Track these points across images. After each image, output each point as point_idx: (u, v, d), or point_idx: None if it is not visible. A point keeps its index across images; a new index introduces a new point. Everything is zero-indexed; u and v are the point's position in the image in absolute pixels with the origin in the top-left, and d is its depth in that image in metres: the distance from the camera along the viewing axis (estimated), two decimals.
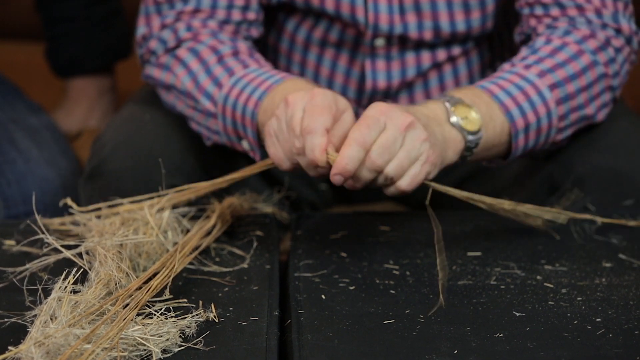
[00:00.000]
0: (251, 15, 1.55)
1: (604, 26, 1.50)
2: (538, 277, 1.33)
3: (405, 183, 1.30)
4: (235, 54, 1.50)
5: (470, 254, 1.39)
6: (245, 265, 1.36)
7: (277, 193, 1.55)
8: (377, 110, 1.29)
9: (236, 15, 1.54)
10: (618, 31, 1.51)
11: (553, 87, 1.44)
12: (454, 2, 1.55)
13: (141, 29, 1.57)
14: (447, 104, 1.37)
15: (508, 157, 1.45)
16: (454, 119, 1.36)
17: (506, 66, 1.47)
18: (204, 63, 1.50)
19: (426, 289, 1.29)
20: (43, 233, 1.27)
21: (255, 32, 1.57)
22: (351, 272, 1.33)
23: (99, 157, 1.55)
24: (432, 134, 1.32)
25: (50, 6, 2.03)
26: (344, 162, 1.26)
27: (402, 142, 1.28)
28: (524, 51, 1.49)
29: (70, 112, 2.07)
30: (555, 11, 1.50)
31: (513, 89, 1.42)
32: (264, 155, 1.46)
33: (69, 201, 1.41)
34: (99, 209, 1.42)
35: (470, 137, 1.37)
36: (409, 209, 1.73)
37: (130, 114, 1.61)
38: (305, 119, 1.29)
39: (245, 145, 1.47)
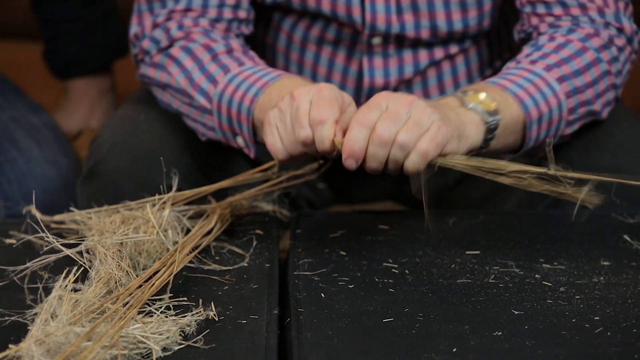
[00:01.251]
0: (242, 14, 1.56)
1: (607, 25, 1.50)
2: (536, 276, 1.33)
3: (424, 144, 1.29)
4: (230, 51, 1.51)
5: (469, 252, 1.39)
6: (245, 264, 1.36)
7: (277, 191, 1.55)
8: (379, 95, 1.32)
9: (227, 14, 1.55)
10: (620, 30, 1.51)
11: (561, 80, 1.44)
12: (451, 2, 1.56)
13: (134, 28, 1.57)
14: (459, 94, 1.38)
15: (519, 151, 1.45)
16: (470, 104, 1.37)
17: (511, 64, 1.48)
18: (198, 61, 1.50)
19: (425, 287, 1.30)
20: (43, 232, 1.27)
21: (246, 30, 1.57)
22: (350, 271, 1.34)
23: (96, 157, 1.55)
24: (443, 114, 1.32)
25: (46, 8, 2.03)
26: (350, 143, 1.29)
27: (408, 115, 1.29)
28: (527, 49, 1.50)
29: (71, 113, 2.07)
30: (557, 10, 1.51)
31: (523, 82, 1.43)
32: (259, 151, 1.47)
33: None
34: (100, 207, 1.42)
35: (489, 118, 1.36)
36: (408, 208, 1.73)
37: (126, 114, 1.62)
38: (314, 110, 1.30)
39: (240, 141, 1.48)
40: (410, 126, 1.29)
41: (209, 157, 1.58)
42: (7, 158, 1.81)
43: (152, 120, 1.57)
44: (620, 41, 1.51)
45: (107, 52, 2.06)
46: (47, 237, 1.26)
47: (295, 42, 1.63)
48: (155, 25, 1.54)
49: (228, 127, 1.48)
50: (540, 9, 1.52)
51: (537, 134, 1.43)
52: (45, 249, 1.28)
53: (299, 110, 1.31)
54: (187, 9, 1.54)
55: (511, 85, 1.42)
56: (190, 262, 1.34)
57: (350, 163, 1.30)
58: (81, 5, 2.02)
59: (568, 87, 1.45)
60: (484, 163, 1.32)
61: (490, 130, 1.37)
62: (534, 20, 1.52)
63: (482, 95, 1.38)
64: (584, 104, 1.47)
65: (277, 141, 1.34)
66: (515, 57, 1.50)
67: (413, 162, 1.30)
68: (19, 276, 1.27)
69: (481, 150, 1.38)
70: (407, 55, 1.60)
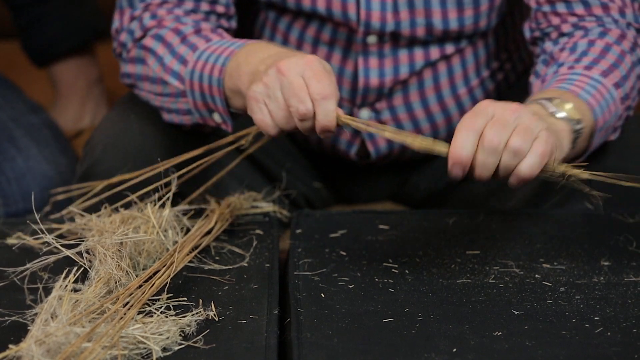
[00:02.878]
0: (220, 9, 1.56)
1: (628, 26, 1.50)
2: (536, 276, 1.33)
3: (542, 146, 1.23)
4: (198, 31, 1.51)
5: (469, 252, 1.39)
6: (245, 264, 1.36)
7: (278, 190, 1.55)
8: (483, 103, 1.28)
9: (204, 7, 1.55)
10: (639, 31, 1.51)
11: (616, 86, 1.43)
12: (447, 0, 1.56)
13: (115, 23, 1.58)
14: (544, 102, 1.35)
15: (579, 159, 1.42)
16: (560, 113, 1.34)
17: (562, 69, 1.45)
18: (169, 46, 1.50)
19: (425, 287, 1.30)
20: (43, 233, 1.27)
21: (226, 23, 1.57)
22: (350, 271, 1.34)
23: (90, 159, 1.56)
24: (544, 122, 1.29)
25: None
26: (457, 149, 1.23)
27: (516, 122, 1.25)
28: (566, 53, 1.47)
29: (64, 109, 2.07)
30: (580, 9, 1.50)
31: (590, 89, 1.40)
32: (235, 125, 1.46)
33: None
34: (100, 203, 1.42)
35: (576, 127, 1.34)
36: (408, 208, 1.73)
37: (117, 115, 1.62)
38: (314, 85, 1.29)
39: (216, 118, 1.47)
40: (521, 131, 1.24)
41: (201, 152, 1.58)
42: (5, 157, 1.81)
43: (143, 119, 1.57)
44: None
45: (87, 29, 2.04)
46: (47, 237, 1.26)
47: (291, 43, 1.63)
48: (132, 18, 1.55)
49: (202, 105, 1.47)
50: (561, 8, 1.50)
51: (596, 141, 1.42)
52: (45, 249, 1.28)
53: (293, 84, 1.29)
54: (164, 2, 1.54)
55: (581, 92, 1.40)
56: (190, 262, 1.34)
57: (456, 171, 1.24)
58: None
59: (621, 93, 1.44)
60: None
61: (575, 140, 1.35)
62: (555, 20, 1.51)
63: (569, 106, 1.35)
64: (627, 109, 1.47)
65: (267, 117, 1.33)
66: (556, 61, 1.48)
67: (530, 166, 1.24)
68: (19, 277, 1.27)
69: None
70: (403, 55, 1.60)
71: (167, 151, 1.53)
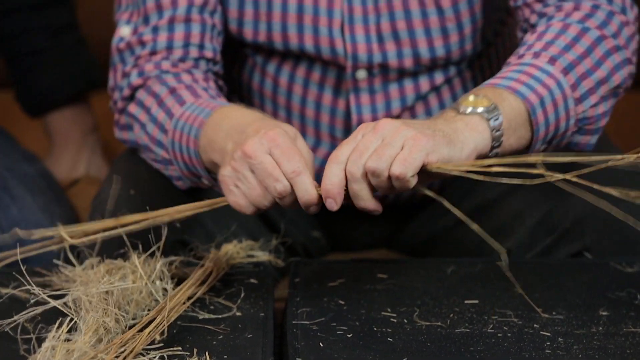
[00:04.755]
0: (208, 54, 1.56)
1: (610, 1, 1.49)
2: (535, 325, 1.32)
3: (397, 168, 1.28)
4: (172, 91, 1.51)
5: (467, 301, 1.38)
6: (239, 313, 1.35)
7: (275, 240, 1.55)
8: (359, 127, 1.32)
9: (194, 53, 1.55)
10: (624, 10, 1.49)
11: (551, 60, 1.43)
12: (431, 28, 1.56)
13: (110, 81, 1.58)
14: (454, 105, 1.37)
15: (535, 138, 1.42)
16: (464, 109, 1.35)
17: (513, 58, 1.46)
18: (148, 111, 1.51)
19: (423, 336, 1.29)
20: (30, 284, 1.26)
21: (214, 68, 1.58)
22: (349, 320, 1.33)
23: (101, 213, 1.54)
24: (426, 127, 1.31)
25: (14, 42, 2.01)
26: (326, 185, 1.29)
27: (379, 142, 1.29)
28: (532, 36, 1.47)
29: (58, 158, 2.07)
30: None
31: (513, 75, 1.41)
32: None
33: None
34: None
35: (488, 115, 1.35)
36: (403, 255, 1.73)
37: (126, 166, 1.62)
38: (285, 164, 1.30)
39: (205, 182, 1.48)
40: (379, 151, 1.28)
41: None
42: (0, 206, 1.81)
43: (153, 170, 1.57)
44: (621, 18, 1.49)
45: (82, 79, 2.05)
46: (33, 289, 1.25)
47: (281, 86, 1.63)
48: (124, 75, 1.55)
49: (189, 173, 1.48)
50: None
51: (545, 117, 1.41)
52: (32, 301, 1.27)
53: (264, 164, 1.31)
54: (152, 52, 1.55)
55: (501, 81, 1.41)
56: (185, 311, 1.33)
57: (329, 203, 1.29)
58: (52, 34, 2.01)
59: (562, 64, 1.43)
60: (473, 164, 1.31)
61: (495, 128, 1.35)
62: (526, 13, 1.51)
63: (472, 97, 1.36)
64: (585, 75, 1.44)
65: (241, 198, 1.34)
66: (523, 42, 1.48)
67: (398, 187, 1.29)
68: (10, 327, 1.26)
69: (497, 150, 1.36)
70: (393, 89, 1.60)
71: (178, 202, 1.52)
